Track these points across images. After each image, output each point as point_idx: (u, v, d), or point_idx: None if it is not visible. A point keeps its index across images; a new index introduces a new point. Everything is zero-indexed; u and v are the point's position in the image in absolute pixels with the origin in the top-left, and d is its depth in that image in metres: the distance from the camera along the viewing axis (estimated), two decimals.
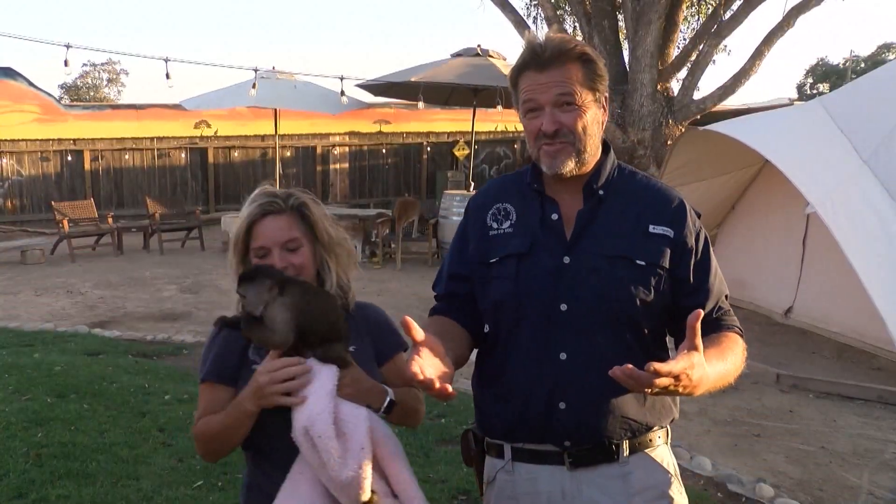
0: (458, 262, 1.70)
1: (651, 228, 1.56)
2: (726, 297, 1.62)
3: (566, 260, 1.55)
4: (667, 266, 1.55)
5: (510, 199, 1.65)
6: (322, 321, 1.53)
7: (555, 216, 1.59)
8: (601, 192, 1.59)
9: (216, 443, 1.58)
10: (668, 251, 1.55)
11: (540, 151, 1.58)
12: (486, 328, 1.64)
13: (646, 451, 1.57)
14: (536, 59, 1.55)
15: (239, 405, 1.50)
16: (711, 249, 1.62)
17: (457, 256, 1.71)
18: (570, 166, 1.56)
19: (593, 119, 1.56)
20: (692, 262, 1.57)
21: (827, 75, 37.69)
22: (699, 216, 1.63)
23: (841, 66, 36.04)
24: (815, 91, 36.01)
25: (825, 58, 41.75)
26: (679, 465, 1.71)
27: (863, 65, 32.34)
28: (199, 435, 1.60)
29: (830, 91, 9.87)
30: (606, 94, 1.59)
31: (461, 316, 1.66)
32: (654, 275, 1.54)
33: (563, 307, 1.54)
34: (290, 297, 1.51)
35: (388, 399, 1.58)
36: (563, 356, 1.54)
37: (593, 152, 1.58)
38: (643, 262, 1.53)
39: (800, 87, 39.79)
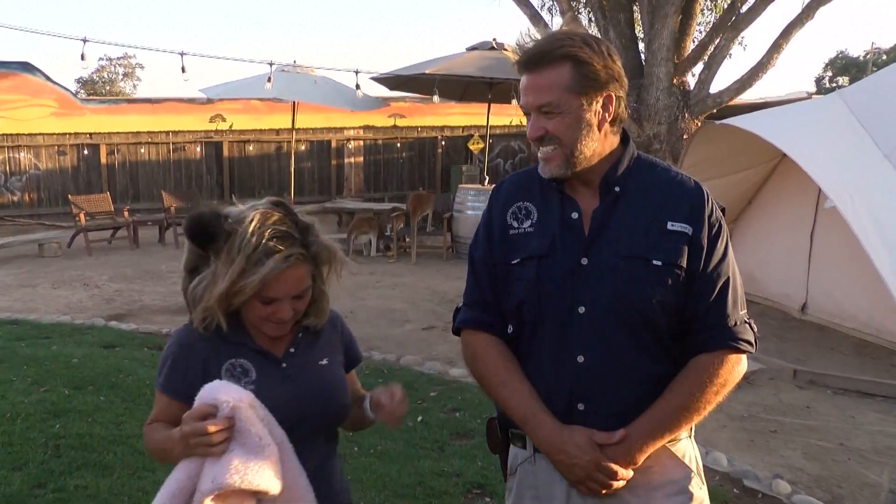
0: (487, 268, 1.66)
1: (670, 225, 1.52)
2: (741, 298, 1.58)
3: (584, 261, 1.53)
4: (685, 265, 1.52)
5: (531, 197, 1.63)
6: None
7: (575, 215, 1.56)
8: (617, 188, 1.56)
9: (157, 455, 1.55)
10: (686, 248, 1.52)
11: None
12: (510, 328, 1.63)
13: (667, 444, 1.55)
14: (521, 60, 1.53)
15: (171, 444, 1.44)
16: (731, 250, 1.57)
17: (485, 263, 1.67)
18: (559, 171, 1.55)
19: (583, 123, 1.51)
20: (704, 261, 1.53)
21: (847, 68, 37.28)
22: (723, 210, 1.60)
23: (861, 58, 35.61)
24: (834, 84, 35.62)
25: (845, 50, 41.39)
26: None
27: (884, 57, 31.95)
28: (145, 440, 1.59)
29: (850, 84, 9.74)
30: (610, 94, 1.52)
31: (499, 326, 1.65)
32: (671, 275, 1.51)
33: (581, 309, 1.52)
34: None
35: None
36: (580, 359, 1.53)
37: (588, 154, 1.53)
38: (660, 262, 1.50)
39: (818, 81, 39.39)
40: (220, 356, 1.54)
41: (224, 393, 1.39)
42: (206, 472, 1.36)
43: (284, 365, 1.57)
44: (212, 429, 1.34)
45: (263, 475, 1.35)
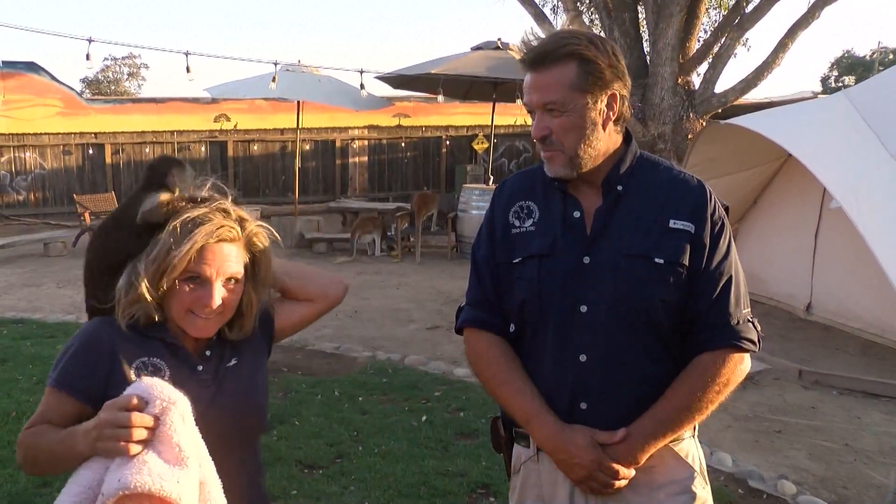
0: (489, 267, 1.67)
1: (672, 223, 1.52)
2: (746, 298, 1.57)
3: (586, 260, 1.53)
4: (687, 263, 1.52)
5: (533, 197, 1.63)
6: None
7: (577, 214, 1.56)
8: (619, 187, 1.56)
9: (40, 464, 1.37)
10: (689, 247, 1.52)
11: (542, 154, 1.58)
12: (512, 328, 1.63)
13: (670, 444, 1.55)
14: (526, 58, 1.52)
15: (73, 441, 1.25)
16: (733, 249, 1.57)
17: (487, 263, 1.67)
18: (563, 171, 1.55)
19: (588, 122, 1.51)
20: (706, 259, 1.52)
21: (853, 67, 37.08)
22: (727, 209, 1.59)
23: (868, 58, 35.43)
24: (840, 84, 35.46)
25: (851, 49, 41.12)
26: None
27: (891, 56, 31.81)
28: (23, 447, 1.39)
29: (856, 84, 9.70)
30: (615, 93, 1.52)
31: (501, 325, 1.65)
32: (673, 273, 1.51)
33: (583, 308, 1.52)
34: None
35: None
36: (583, 358, 1.53)
37: (593, 154, 1.54)
38: (662, 261, 1.50)
39: (824, 80, 39.16)
40: (131, 353, 1.41)
41: (160, 390, 1.20)
42: (112, 473, 1.14)
43: (200, 368, 1.48)
44: (136, 420, 1.14)
45: (182, 487, 1.13)
